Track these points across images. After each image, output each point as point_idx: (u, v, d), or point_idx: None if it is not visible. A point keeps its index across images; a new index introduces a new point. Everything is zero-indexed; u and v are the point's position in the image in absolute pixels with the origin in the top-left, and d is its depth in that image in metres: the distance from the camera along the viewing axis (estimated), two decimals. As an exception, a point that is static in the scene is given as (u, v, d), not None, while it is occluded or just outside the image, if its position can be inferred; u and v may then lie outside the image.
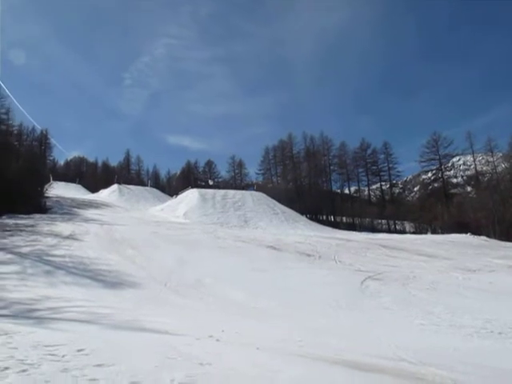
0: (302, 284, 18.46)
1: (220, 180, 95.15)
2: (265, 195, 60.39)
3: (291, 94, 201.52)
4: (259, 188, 70.57)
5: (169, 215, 47.80)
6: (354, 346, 8.64)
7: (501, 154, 69.15)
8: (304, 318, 12.93)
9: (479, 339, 10.08)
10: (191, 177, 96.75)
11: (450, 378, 6.16)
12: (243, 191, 63.35)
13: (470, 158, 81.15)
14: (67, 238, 25.46)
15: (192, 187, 62.51)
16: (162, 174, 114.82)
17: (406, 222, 71.46)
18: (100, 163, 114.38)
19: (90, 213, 42.25)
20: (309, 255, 26.69)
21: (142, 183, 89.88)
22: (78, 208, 46.73)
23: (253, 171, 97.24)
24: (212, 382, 5.26)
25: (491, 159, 69.88)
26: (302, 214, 61.44)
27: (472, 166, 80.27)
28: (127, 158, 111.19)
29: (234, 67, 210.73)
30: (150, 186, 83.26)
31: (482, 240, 41.16)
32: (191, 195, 55.52)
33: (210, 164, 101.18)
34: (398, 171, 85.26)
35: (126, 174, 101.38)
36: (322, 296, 16.43)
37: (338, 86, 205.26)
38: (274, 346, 8.43)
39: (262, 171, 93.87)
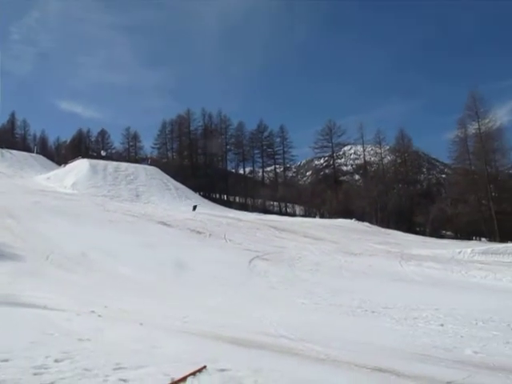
0: (191, 261, 18.43)
1: (113, 151, 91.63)
2: (159, 170, 59.45)
3: (193, 70, 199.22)
4: (154, 162, 69.24)
5: (56, 185, 45.45)
6: (238, 323, 8.81)
7: (388, 147, 73.52)
8: (191, 295, 12.97)
9: (355, 317, 10.71)
10: (82, 146, 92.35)
11: (324, 353, 6.50)
12: (137, 165, 61.86)
13: (360, 148, 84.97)
14: None
15: (83, 157, 59.99)
16: (51, 140, 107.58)
17: (296, 205, 73.77)
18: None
19: (-35, 177, 38.96)
20: (199, 232, 26.75)
21: (27, 149, 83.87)
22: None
23: (148, 145, 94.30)
24: (90, 357, 5.09)
25: (379, 151, 74.02)
26: (195, 191, 61.28)
27: (361, 156, 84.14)
28: (12, 121, 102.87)
29: (135, 36, 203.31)
30: (37, 152, 78.13)
31: (365, 226, 43.68)
32: (81, 165, 53.20)
33: (103, 134, 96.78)
34: (293, 155, 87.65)
35: (9, 137, 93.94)
36: (210, 273, 16.59)
37: (240, 66, 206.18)
38: (158, 322, 8.37)
39: (157, 145, 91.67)
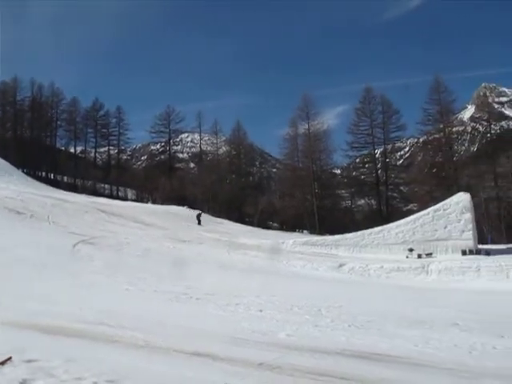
0: (7, 243, 16.94)
1: None
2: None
3: (22, 33, 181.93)
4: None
5: None
6: (55, 310, 8.29)
7: (224, 138, 75.34)
8: (3, 281, 11.89)
9: (179, 303, 10.80)
10: None
11: (144, 340, 6.41)
12: None
13: (197, 136, 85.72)
14: None
15: None
16: None
17: (128, 190, 72.15)
18: None
19: None
20: (19, 213, 24.73)
21: None
22: None
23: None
24: None
25: (215, 141, 75.47)
26: (18, 167, 56.54)
27: (198, 145, 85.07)
28: None
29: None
30: None
31: (196, 214, 44.31)
32: None
33: None
34: (129, 138, 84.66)
35: None
36: (29, 257, 15.37)
37: (82, 40, 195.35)
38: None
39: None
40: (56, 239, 19.82)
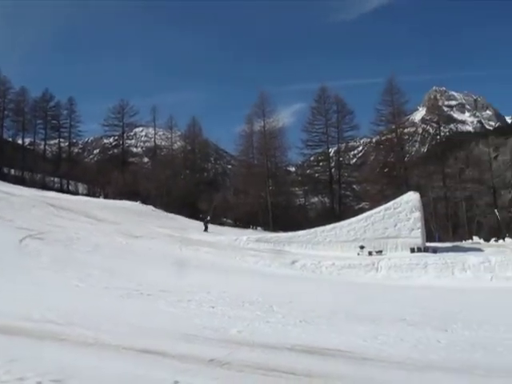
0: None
1: None
2: None
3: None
4: None
5: None
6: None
7: (179, 133, 74.66)
8: None
9: (130, 300, 10.63)
10: None
11: (93, 337, 6.28)
12: None
13: (151, 130, 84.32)
14: None
15: None
16: None
17: (80, 184, 70.36)
18: None
19: None
20: (-38, 206, 23.77)
21: None
22: None
23: None
24: None
25: (170, 136, 74.66)
26: (-39, 159, 54.22)
27: (152, 139, 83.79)
28: None
29: None
30: None
31: (149, 209, 43.79)
32: None
33: None
34: (80, 130, 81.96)
35: None
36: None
37: (34, 28, 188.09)
38: None
39: None
40: (1, 234, 19.14)
